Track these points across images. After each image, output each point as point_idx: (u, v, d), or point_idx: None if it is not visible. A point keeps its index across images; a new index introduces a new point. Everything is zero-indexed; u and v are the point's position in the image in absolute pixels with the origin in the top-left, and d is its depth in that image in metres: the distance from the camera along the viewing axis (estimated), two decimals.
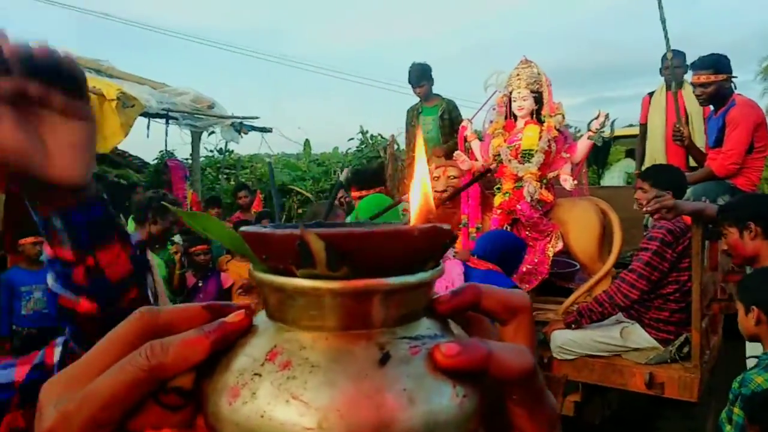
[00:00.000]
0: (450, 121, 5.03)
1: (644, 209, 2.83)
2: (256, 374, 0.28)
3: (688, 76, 4.29)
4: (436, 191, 3.96)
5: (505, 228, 3.77)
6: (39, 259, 4.17)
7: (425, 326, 0.30)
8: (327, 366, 0.27)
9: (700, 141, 4.09)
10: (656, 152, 4.62)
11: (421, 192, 0.34)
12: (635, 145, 7.40)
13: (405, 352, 0.28)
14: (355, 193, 3.67)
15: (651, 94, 4.76)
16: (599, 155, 8.38)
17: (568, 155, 3.74)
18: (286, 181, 8.20)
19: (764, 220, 2.46)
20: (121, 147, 8.42)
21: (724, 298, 3.54)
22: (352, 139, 9.62)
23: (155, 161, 8.11)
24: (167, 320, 0.31)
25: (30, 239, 4.09)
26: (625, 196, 4.93)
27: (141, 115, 5.57)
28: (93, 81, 5.47)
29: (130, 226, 4.36)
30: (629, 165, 7.17)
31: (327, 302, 0.28)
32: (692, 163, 4.22)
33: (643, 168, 4.48)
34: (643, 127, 4.85)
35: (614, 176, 7.13)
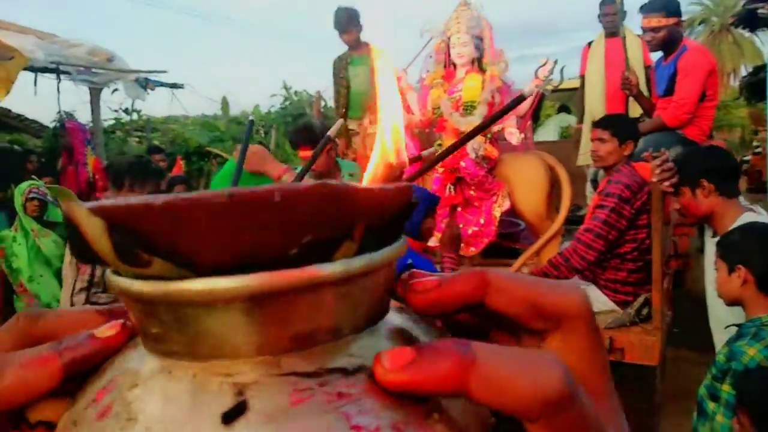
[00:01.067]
0: None
1: (654, 180, 2.53)
2: (73, 422, 0.21)
3: (627, 22, 4.09)
4: (372, 149, 3.60)
5: (448, 187, 3.47)
6: None
7: (350, 351, 0.20)
8: (148, 420, 0.18)
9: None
10: (594, 104, 4.42)
11: (384, 141, 0.25)
12: (566, 100, 7.32)
13: (280, 401, 0.18)
14: (303, 153, 3.20)
15: (590, 44, 4.53)
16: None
17: None
18: (203, 142, 7.55)
19: (716, 175, 2.30)
20: (17, 110, 7.52)
21: (676, 254, 3.42)
22: (274, 95, 9.00)
23: (54, 124, 7.26)
24: (51, 327, 0.24)
25: None
26: (562, 149, 4.76)
27: (26, 69, 4.82)
28: None
29: (17, 198, 3.76)
30: (563, 119, 7.05)
31: (162, 314, 0.20)
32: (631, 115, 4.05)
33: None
34: (583, 79, 4.63)
35: (549, 131, 6.98)
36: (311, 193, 0.17)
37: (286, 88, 8.79)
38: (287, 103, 8.84)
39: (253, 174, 2.30)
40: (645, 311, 2.80)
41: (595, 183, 3.82)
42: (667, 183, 2.47)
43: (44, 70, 5.06)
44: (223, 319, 0.18)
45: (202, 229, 0.17)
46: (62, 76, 5.19)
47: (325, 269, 0.19)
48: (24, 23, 5.57)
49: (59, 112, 7.21)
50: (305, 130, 3.22)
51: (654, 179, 2.53)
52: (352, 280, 0.20)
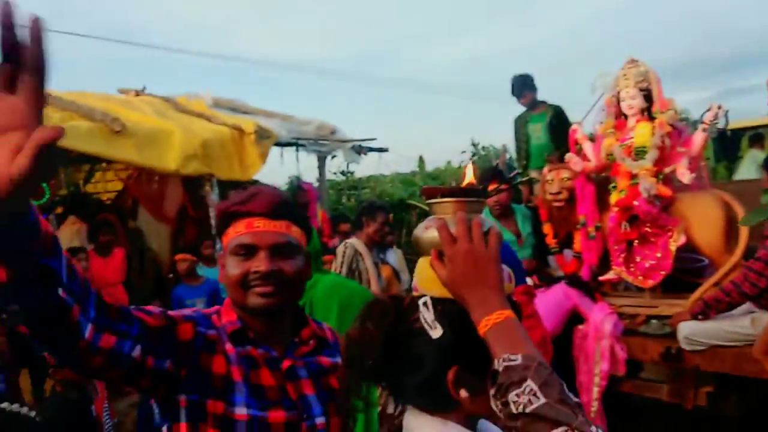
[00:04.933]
0: (559, 126, 5.13)
1: None
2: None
3: None
4: (550, 194, 4.12)
5: (623, 225, 3.82)
6: (196, 274, 4.84)
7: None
8: None
9: None
10: None
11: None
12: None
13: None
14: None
15: None
16: (727, 149, 8.00)
17: (684, 149, 3.74)
18: (404, 196, 8.62)
19: None
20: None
21: None
22: (464, 152, 9.87)
23: (286, 185, 8.88)
24: None
25: (182, 255, 4.75)
26: (754, 188, 4.76)
27: (274, 144, 6.20)
28: (231, 119, 6.19)
29: None
30: (757, 155, 6.81)
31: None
32: None
33: None
34: None
35: (750, 168, 6.76)
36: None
37: (474, 144, 9.62)
38: (475, 157, 9.63)
39: None
40: None
41: None
42: None
43: (286, 144, 6.46)
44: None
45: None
46: (299, 148, 6.57)
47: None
48: (270, 108, 7.15)
49: (292, 176, 8.83)
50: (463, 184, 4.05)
51: None
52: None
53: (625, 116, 3.93)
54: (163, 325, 1.17)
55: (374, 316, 0.98)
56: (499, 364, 0.79)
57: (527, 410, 0.74)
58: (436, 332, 0.91)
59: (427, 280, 0.95)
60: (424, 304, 0.94)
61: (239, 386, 1.22)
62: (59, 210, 6.22)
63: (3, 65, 0.62)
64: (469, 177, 1.04)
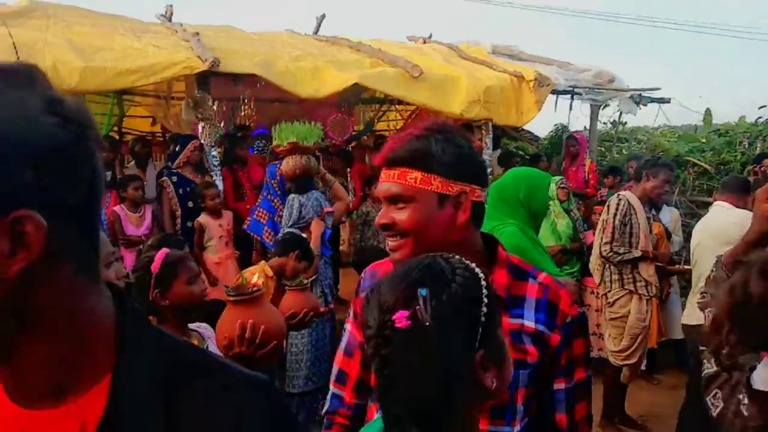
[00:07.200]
0: None
1: None
2: None
3: None
4: None
5: None
6: None
7: None
8: None
9: None
10: None
11: None
12: None
13: None
14: None
15: None
16: None
17: None
18: (682, 151, 7.94)
19: None
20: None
21: None
22: (764, 107, 8.58)
23: (550, 134, 8.88)
24: None
25: None
26: None
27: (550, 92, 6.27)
28: (512, 66, 6.40)
29: (552, 186, 5.11)
30: None
31: None
32: None
33: None
34: None
35: None
36: None
37: None
38: None
39: None
40: None
41: None
42: None
43: (562, 92, 6.47)
44: None
45: None
46: (574, 96, 6.53)
47: None
48: (546, 54, 7.19)
49: (556, 124, 8.79)
50: None
51: None
52: None
53: None
54: None
55: None
56: None
57: None
58: None
59: None
60: None
61: None
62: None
63: None
64: None
